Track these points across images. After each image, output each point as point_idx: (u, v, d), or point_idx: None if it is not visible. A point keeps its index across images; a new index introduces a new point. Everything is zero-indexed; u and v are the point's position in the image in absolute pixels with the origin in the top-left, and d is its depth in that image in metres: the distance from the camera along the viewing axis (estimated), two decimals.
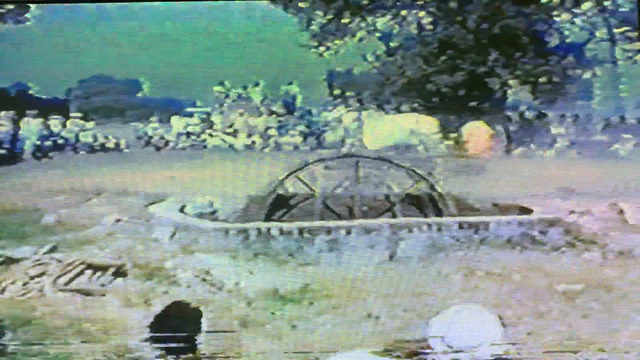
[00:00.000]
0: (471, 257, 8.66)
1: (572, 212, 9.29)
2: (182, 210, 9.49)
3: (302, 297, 7.87)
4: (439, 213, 9.23)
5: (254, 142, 10.85)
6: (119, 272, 8.24)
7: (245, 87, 10.76)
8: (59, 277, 8.04)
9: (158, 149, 10.60)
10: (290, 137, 10.86)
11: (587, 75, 10.37)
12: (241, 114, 10.84)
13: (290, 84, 10.71)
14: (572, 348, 7.04)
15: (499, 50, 10.13)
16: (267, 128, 10.90)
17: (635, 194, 9.24)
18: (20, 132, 10.43)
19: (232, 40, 9.83)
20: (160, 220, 9.20)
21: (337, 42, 10.64)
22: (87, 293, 7.80)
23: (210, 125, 10.82)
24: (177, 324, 4.15)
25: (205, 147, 10.75)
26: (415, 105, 10.49)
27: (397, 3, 10.37)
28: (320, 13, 10.55)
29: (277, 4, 10.30)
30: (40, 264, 8.29)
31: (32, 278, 8.02)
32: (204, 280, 8.11)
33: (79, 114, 10.61)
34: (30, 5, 10.18)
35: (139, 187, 9.90)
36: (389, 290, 7.93)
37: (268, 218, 9.23)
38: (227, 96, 10.75)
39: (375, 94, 10.62)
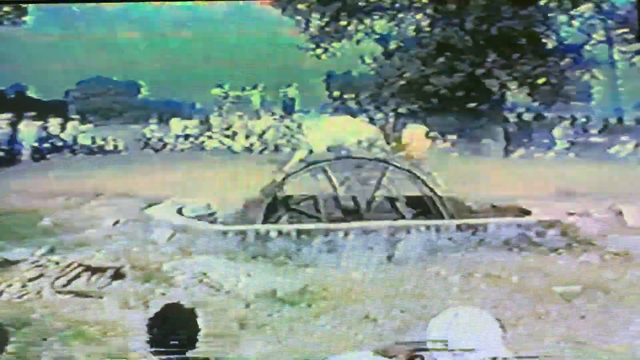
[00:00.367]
0: (469, 258, 8.65)
1: (570, 213, 9.28)
2: (180, 212, 9.48)
3: (301, 299, 7.86)
4: (437, 215, 9.22)
5: (252, 145, 10.84)
6: (117, 274, 8.23)
7: (243, 90, 10.76)
8: (57, 279, 8.03)
9: (156, 151, 10.60)
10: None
11: (585, 77, 10.38)
12: (240, 116, 10.83)
13: (289, 86, 10.71)
14: (571, 349, 7.04)
15: (497, 52, 10.14)
16: (265, 130, 10.89)
17: (633, 195, 9.24)
18: (18, 134, 10.42)
19: (231, 42, 9.83)
20: (159, 222, 9.19)
21: (335, 44, 10.64)
22: (86, 295, 7.79)
23: (209, 127, 10.82)
24: (174, 326, 4.15)
25: (203, 149, 10.74)
26: (414, 107, 10.50)
27: (395, 5, 10.37)
28: (317, 15, 10.55)
29: (275, 7, 10.31)
30: (38, 266, 8.28)
31: (30, 280, 8.00)
32: (202, 282, 8.10)
33: (77, 116, 10.61)
34: (28, 6, 10.18)
35: (137, 189, 9.90)
36: (387, 292, 7.92)
37: (266, 220, 9.22)
38: (225, 98, 10.75)
39: (373, 95, 10.62)
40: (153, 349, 4.22)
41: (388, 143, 10.14)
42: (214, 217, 9.49)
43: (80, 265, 8.31)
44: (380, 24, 10.53)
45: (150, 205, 9.57)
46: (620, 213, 9.23)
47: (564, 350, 7.01)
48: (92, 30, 9.87)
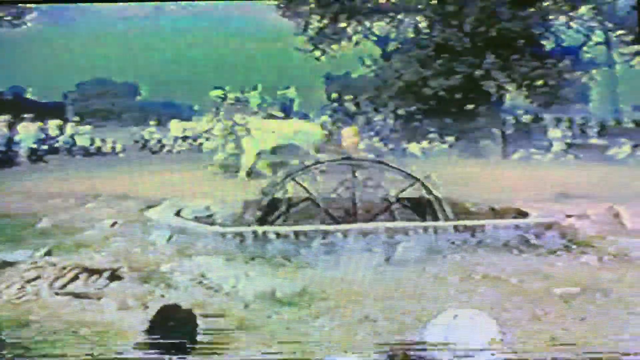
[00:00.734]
0: (468, 260, 8.64)
1: (568, 215, 9.29)
2: (178, 213, 9.47)
3: (299, 300, 7.85)
4: (436, 216, 9.22)
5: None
6: (116, 276, 8.21)
7: (242, 91, 10.76)
8: (55, 280, 8.01)
9: (154, 152, 10.60)
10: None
11: (583, 79, 10.39)
12: (243, 118, 10.83)
13: (288, 88, 10.71)
14: (569, 351, 7.03)
15: (496, 54, 10.15)
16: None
17: (631, 197, 9.25)
18: (16, 135, 10.42)
19: (230, 44, 9.84)
20: (157, 224, 9.18)
21: (334, 46, 10.65)
22: (84, 296, 7.78)
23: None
24: (173, 327, 4.14)
25: (201, 151, 10.74)
26: (413, 108, 10.52)
27: (394, 7, 10.38)
28: (316, 17, 10.56)
29: (274, 8, 10.32)
30: (36, 268, 8.26)
31: (28, 281, 7.99)
32: (201, 283, 8.09)
33: (76, 118, 10.61)
34: (27, 9, 10.18)
35: (135, 191, 9.89)
36: (386, 293, 7.91)
37: (264, 221, 9.21)
38: (224, 100, 10.74)
39: (372, 97, 10.63)
40: (152, 350, 4.21)
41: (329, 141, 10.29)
42: (213, 218, 9.47)
43: (78, 266, 8.29)
44: (379, 26, 10.54)
45: (148, 207, 9.57)
46: (618, 214, 9.24)
47: (563, 352, 7.00)
48: (90, 32, 9.87)
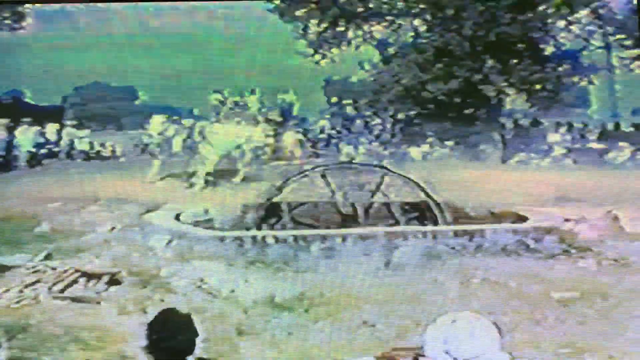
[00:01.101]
0: (467, 264, 8.64)
1: (567, 219, 9.29)
2: (177, 218, 9.46)
3: (299, 305, 7.85)
4: (435, 221, 9.22)
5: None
6: (115, 280, 8.21)
7: (242, 95, 10.75)
8: (54, 284, 8.01)
9: (153, 156, 10.58)
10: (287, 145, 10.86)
11: (583, 83, 10.39)
12: (238, 122, 10.82)
13: (287, 92, 10.71)
14: (569, 355, 7.03)
15: (495, 58, 10.15)
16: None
17: (630, 201, 9.24)
18: (15, 139, 10.41)
19: (229, 48, 9.83)
20: (156, 228, 9.17)
21: (333, 50, 10.65)
22: (83, 301, 7.78)
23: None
24: (172, 332, 4.14)
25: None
26: (412, 112, 10.52)
27: (393, 11, 10.38)
28: (316, 21, 10.56)
29: (273, 12, 10.32)
30: (35, 272, 8.26)
31: (27, 286, 7.99)
32: (200, 288, 8.09)
33: (75, 122, 10.60)
34: (26, 13, 10.17)
35: (134, 195, 9.89)
36: (385, 298, 7.92)
37: (263, 226, 9.21)
38: (223, 104, 10.74)
39: (371, 101, 10.63)
40: (151, 355, 4.21)
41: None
42: (212, 223, 9.47)
43: (77, 270, 8.30)
44: (378, 30, 10.54)
45: (148, 211, 9.56)
46: (617, 219, 9.24)
47: (561, 356, 7.01)
48: (89, 36, 9.87)
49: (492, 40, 10.11)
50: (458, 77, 10.20)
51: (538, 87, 10.27)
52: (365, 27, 10.58)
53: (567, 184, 9.79)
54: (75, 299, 7.81)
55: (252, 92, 10.77)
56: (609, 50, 10.49)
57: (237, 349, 7.06)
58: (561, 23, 10.27)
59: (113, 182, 10.04)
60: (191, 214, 9.55)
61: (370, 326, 7.52)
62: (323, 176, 9.48)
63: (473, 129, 10.46)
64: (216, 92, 10.67)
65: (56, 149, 10.60)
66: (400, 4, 10.31)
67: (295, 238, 8.84)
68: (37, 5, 10.22)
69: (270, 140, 10.49)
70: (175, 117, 10.47)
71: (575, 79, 10.38)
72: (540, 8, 10.12)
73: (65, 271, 8.28)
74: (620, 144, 10.37)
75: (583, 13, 10.33)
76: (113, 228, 9.23)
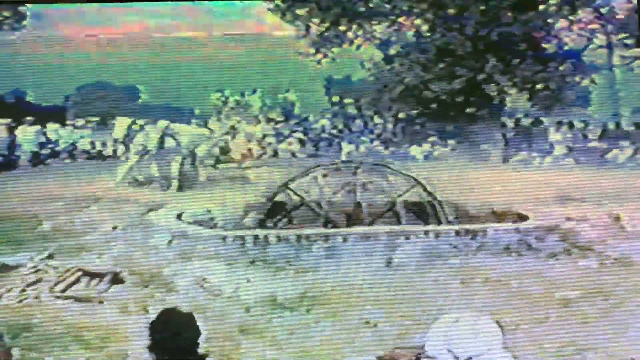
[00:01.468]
0: (468, 264, 8.64)
1: (569, 219, 9.28)
2: (179, 217, 9.46)
3: (300, 304, 7.85)
4: (437, 220, 9.22)
5: (250, 150, 10.84)
6: (117, 279, 8.21)
7: (243, 95, 10.76)
8: (56, 284, 8.01)
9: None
10: (288, 144, 10.87)
11: (584, 82, 10.39)
12: (239, 122, 10.83)
13: (288, 91, 10.72)
14: (570, 355, 7.03)
15: (497, 57, 10.14)
16: (265, 135, 10.89)
17: (632, 200, 9.24)
18: (17, 139, 10.42)
19: (231, 48, 9.84)
20: (158, 228, 9.18)
21: (334, 49, 10.64)
22: (85, 300, 7.78)
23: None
24: (175, 331, 4.14)
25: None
26: (414, 112, 10.52)
27: (395, 10, 10.38)
28: (317, 21, 10.56)
29: (275, 12, 10.32)
30: (37, 271, 8.26)
31: (29, 285, 7.99)
32: (202, 287, 8.09)
33: (77, 121, 10.61)
34: (27, 12, 10.18)
35: (136, 195, 9.90)
36: (387, 297, 7.91)
37: (265, 225, 9.20)
38: (225, 103, 10.74)
39: (373, 101, 10.63)
40: (153, 354, 4.21)
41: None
42: (214, 222, 9.46)
43: (79, 270, 8.29)
44: (380, 30, 10.54)
45: (149, 211, 9.57)
46: (618, 218, 9.23)
47: (563, 356, 7.00)
48: (91, 35, 9.88)
49: (494, 39, 10.11)
50: (460, 76, 10.19)
51: (540, 86, 10.26)
52: (367, 27, 10.57)
53: (569, 183, 9.79)
54: (77, 299, 7.81)
55: (254, 91, 10.78)
56: (611, 49, 10.49)
57: (238, 348, 7.05)
58: (563, 22, 10.27)
59: (114, 182, 10.06)
60: (192, 213, 9.54)
61: (371, 326, 7.51)
62: (324, 175, 9.47)
63: (475, 128, 10.46)
64: (217, 91, 10.67)
65: (58, 149, 10.61)
66: (402, 4, 10.31)
67: (297, 237, 8.83)
68: (38, 5, 10.22)
69: (226, 139, 10.49)
70: (144, 121, 10.44)
71: (577, 78, 10.37)
72: (542, 7, 10.12)
73: (67, 270, 8.28)
74: (622, 143, 10.37)
75: (585, 12, 10.33)
76: (115, 227, 9.22)
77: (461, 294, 8.03)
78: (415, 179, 9.33)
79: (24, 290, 7.93)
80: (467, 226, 9.10)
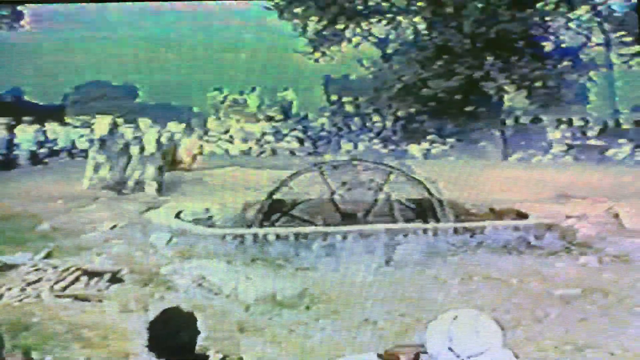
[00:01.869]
0: (468, 261, 8.64)
1: (568, 216, 9.29)
2: (178, 216, 9.46)
3: (300, 303, 7.85)
4: (436, 218, 9.21)
5: (250, 148, 10.84)
6: (116, 278, 8.21)
7: (241, 93, 10.76)
8: (56, 283, 8.01)
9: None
10: (287, 142, 10.86)
11: (582, 79, 10.39)
12: (237, 120, 10.83)
13: (286, 89, 10.72)
14: (570, 352, 7.03)
15: (495, 55, 10.15)
16: (263, 134, 10.89)
17: (631, 198, 9.25)
18: (15, 138, 10.41)
19: (229, 46, 9.83)
20: (157, 226, 9.17)
21: (333, 48, 10.65)
22: (85, 299, 7.78)
23: (206, 131, 10.82)
24: (175, 330, 4.14)
25: (201, 153, 10.74)
26: (412, 110, 10.52)
27: (393, 8, 10.38)
28: (315, 19, 10.56)
29: (273, 10, 10.32)
30: (37, 270, 8.26)
31: (29, 284, 7.99)
32: (201, 285, 8.09)
33: (75, 120, 10.59)
34: (25, 11, 10.17)
35: (135, 193, 9.90)
36: (387, 295, 7.91)
37: (265, 223, 9.19)
38: (223, 102, 10.75)
39: (371, 99, 10.63)
40: (153, 353, 4.21)
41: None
42: (212, 220, 9.46)
43: (79, 269, 8.29)
44: (378, 28, 10.54)
45: (148, 209, 9.56)
46: (617, 215, 9.24)
47: (563, 353, 7.01)
48: (89, 34, 9.87)
49: (492, 37, 10.11)
50: (458, 74, 10.20)
51: (538, 84, 10.27)
52: (365, 25, 10.58)
53: (568, 181, 9.78)
54: (77, 297, 7.81)
55: (252, 89, 10.78)
56: (609, 47, 10.49)
57: (238, 346, 7.06)
58: (561, 20, 10.27)
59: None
60: (192, 211, 9.54)
61: (371, 323, 7.51)
62: (322, 174, 9.46)
63: (473, 126, 10.46)
64: (216, 90, 10.67)
65: (57, 148, 10.60)
66: (400, 1, 10.31)
67: (296, 235, 8.82)
68: (37, 4, 10.21)
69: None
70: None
71: (575, 76, 10.38)
72: (540, 5, 10.12)
73: (67, 269, 8.28)
74: (620, 140, 10.37)
75: (583, 10, 10.33)
76: (114, 226, 9.22)
77: (461, 292, 8.04)
78: (415, 178, 9.32)
79: (23, 289, 7.93)
80: (466, 224, 9.10)
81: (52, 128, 10.61)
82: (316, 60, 10.60)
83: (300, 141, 10.85)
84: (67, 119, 10.58)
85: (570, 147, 10.56)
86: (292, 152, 10.83)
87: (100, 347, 6.93)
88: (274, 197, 9.24)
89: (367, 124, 10.75)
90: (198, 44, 9.85)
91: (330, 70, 10.70)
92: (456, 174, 9.67)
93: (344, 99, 10.79)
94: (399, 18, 10.42)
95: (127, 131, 10.37)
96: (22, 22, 10.24)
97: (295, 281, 8.22)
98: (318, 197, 9.35)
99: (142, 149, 10.25)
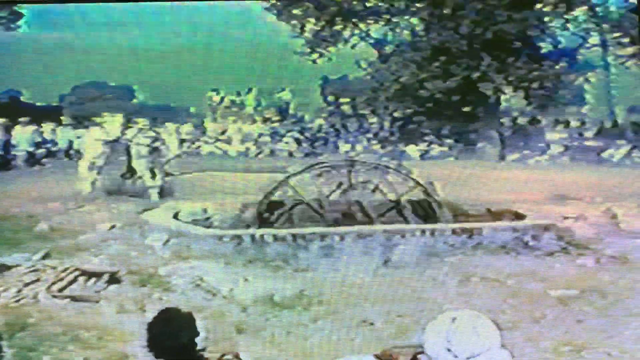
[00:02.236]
0: (465, 262, 8.64)
1: (565, 217, 9.29)
2: (175, 216, 9.45)
3: (298, 303, 7.84)
4: (434, 219, 9.21)
5: (247, 149, 10.84)
6: (113, 279, 8.20)
7: (238, 94, 10.76)
8: (53, 283, 8.00)
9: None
10: (285, 143, 10.87)
11: (579, 80, 10.41)
12: (234, 121, 10.83)
13: (283, 90, 10.72)
14: (568, 353, 7.03)
15: (492, 56, 10.15)
16: (261, 135, 10.89)
17: (628, 198, 9.26)
18: (13, 139, 10.40)
19: (226, 47, 9.83)
20: (154, 227, 9.16)
21: (330, 48, 10.65)
22: (82, 299, 7.77)
23: (204, 132, 10.82)
24: (173, 331, 4.13)
25: (199, 154, 10.74)
26: (410, 111, 10.53)
27: (391, 9, 10.39)
28: (313, 20, 10.56)
29: (270, 11, 10.32)
30: (34, 271, 8.25)
31: (26, 285, 7.97)
32: (199, 286, 8.07)
33: (73, 121, 10.59)
34: (22, 11, 10.16)
35: (133, 194, 9.90)
36: (385, 296, 7.91)
37: (262, 224, 9.18)
38: (220, 103, 10.75)
39: (369, 99, 10.64)
40: (151, 354, 4.20)
41: None
42: (210, 221, 9.45)
43: (76, 269, 8.28)
44: (376, 29, 10.55)
45: (146, 210, 9.56)
46: (615, 216, 9.24)
47: (561, 354, 7.01)
48: (87, 34, 9.86)
49: (489, 38, 10.12)
50: (456, 75, 10.20)
51: (535, 85, 10.28)
52: (362, 26, 10.58)
53: (565, 182, 9.79)
54: (74, 298, 7.80)
55: (249, 90, 10.78)
56: (605, 48, 10.50)
57: (236, 347, 7.04)
58: (558, 21, 10.28)
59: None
60: (189, 212, 9.54)
61: (369, 324, 7.50)
62: (319, 175, 9.45)
63: (471, 127, 10.47)
64: (213, 90, 10.68)
65: (54, 149, 10.59)
66: (397, 3, 10.32)
67: (294, 236, 8.81)
68: (34, 4, 10.20)
69: None
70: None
71: (572, 76, 10.39)
72: (537, 6, 10.13)
73: (64, 270, 8.26)
74: (617, 141, 10.38)
75: (580, 11, 10.34)
76: (112, 227, 9.21)
77: (458, 293, 8.04)
78: (414, 179, 9.32)
79: (21, 290, 7.91)
80: (464, 225, 9.10)
81: (49, 129, 10.60)
82: (314, 61, 10.61)
83: (298, 142, 10.85)
84: (64, 120, 10.58)
85: (567, 147, 10.57)
86: (290, 153, 10.83)
87: (97, 348, 6.91)
88: (272, 198, 9.25)
89: (365, 125, 10.75)
90: (195, 45, 9.84)
91: (327, 71, 10.71)
92: (453, 174, 9.67)
93: (342, 100, 10.80)
94: (396, 19, 10.43)
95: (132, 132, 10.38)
96: (19, 23, 10.23)
97: (293, 282, 8.21)
98: (316, 197, 9.35)
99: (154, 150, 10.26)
